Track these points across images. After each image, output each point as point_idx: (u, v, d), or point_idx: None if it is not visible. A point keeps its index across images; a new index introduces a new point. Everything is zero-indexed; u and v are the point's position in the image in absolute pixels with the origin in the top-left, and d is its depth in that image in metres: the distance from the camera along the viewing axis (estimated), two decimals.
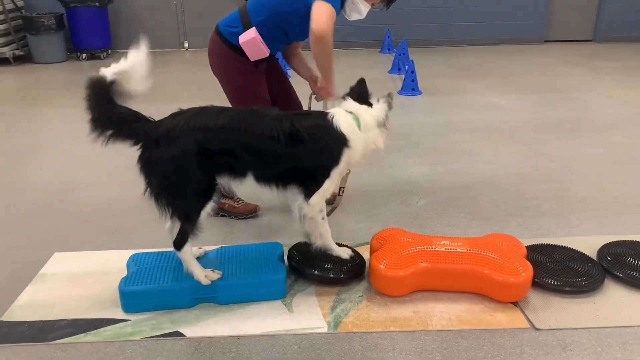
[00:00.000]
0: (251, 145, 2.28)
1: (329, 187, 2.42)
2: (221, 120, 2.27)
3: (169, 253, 2.56)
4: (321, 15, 2.60)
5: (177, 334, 2.23)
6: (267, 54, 2.88)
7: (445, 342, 2.16)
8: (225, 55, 2.92)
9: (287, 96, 3.19)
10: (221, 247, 2.66)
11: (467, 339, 2.18)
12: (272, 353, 2.11)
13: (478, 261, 2.39)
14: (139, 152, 2.25)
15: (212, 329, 2.25)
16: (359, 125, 2.46)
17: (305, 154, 2.32)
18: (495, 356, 2.08)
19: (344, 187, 2.84)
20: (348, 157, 2.43)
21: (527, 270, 2.35)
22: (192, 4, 9.11)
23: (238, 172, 2.33)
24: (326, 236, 2.53)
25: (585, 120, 5.14)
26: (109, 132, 2.18)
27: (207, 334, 2.22)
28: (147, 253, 2.60)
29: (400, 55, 7.28)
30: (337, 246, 2.59)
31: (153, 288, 2.34)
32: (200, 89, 6.45)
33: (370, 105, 2.55)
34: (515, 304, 2.38)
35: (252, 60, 2.88)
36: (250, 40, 2.80)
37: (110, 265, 2.71)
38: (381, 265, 2.40)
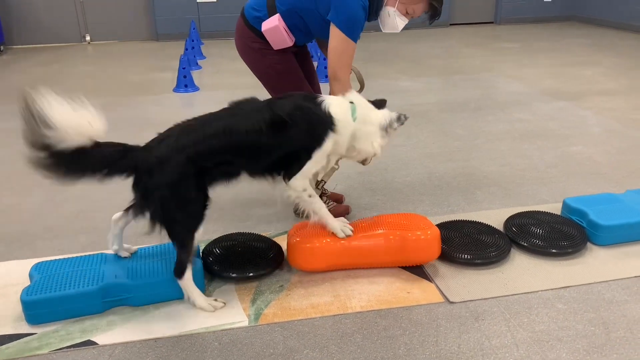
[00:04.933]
0: (240, 146, 2.22)
1: (310, 168, 2.35)
2: (207, 130, 2.19)
3: (76, 259, 2.42)
4: (332, 54, 2.56)
5: (89, 342, 2.11)
6: (292, 44, 2.71)
7: (365, 323, 2.20)
8: (250, 39, 2.76)
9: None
10: None
11: (385, 318, 2.23)
12: (192, 353, 2.05)
13: (389, 225, 2.51)
14: (133, 180, 2.15)
15: (126, 334, 2.15)
16: (354, 116, 2.40)
17: (289, 138, 2.27)
18: (413, 332, 2.14)
19: (324, 182, 2.79)
20: (334, 142, 2.35)
21: (432, 228, 2.48)
22: None
23: (233, 175, 2.29)
24: (320, 212, 2.45)
25: (489, 99, 5.40)
26: (104, 172, 2.10)
27: (122, 339, 2.12)
28: (52, 261, 2.43)
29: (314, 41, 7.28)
30: (333, 220, 2.49)
31: (58, 295, 2.19)
32: (100, 84, 6.14)
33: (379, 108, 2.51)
34: (430, 280, 2.46)
35: (275, 49, 2.72)
36: (273, 28, 2.63)
37: (10, 277, 2.52)
38: (297, 239, 2.45)
